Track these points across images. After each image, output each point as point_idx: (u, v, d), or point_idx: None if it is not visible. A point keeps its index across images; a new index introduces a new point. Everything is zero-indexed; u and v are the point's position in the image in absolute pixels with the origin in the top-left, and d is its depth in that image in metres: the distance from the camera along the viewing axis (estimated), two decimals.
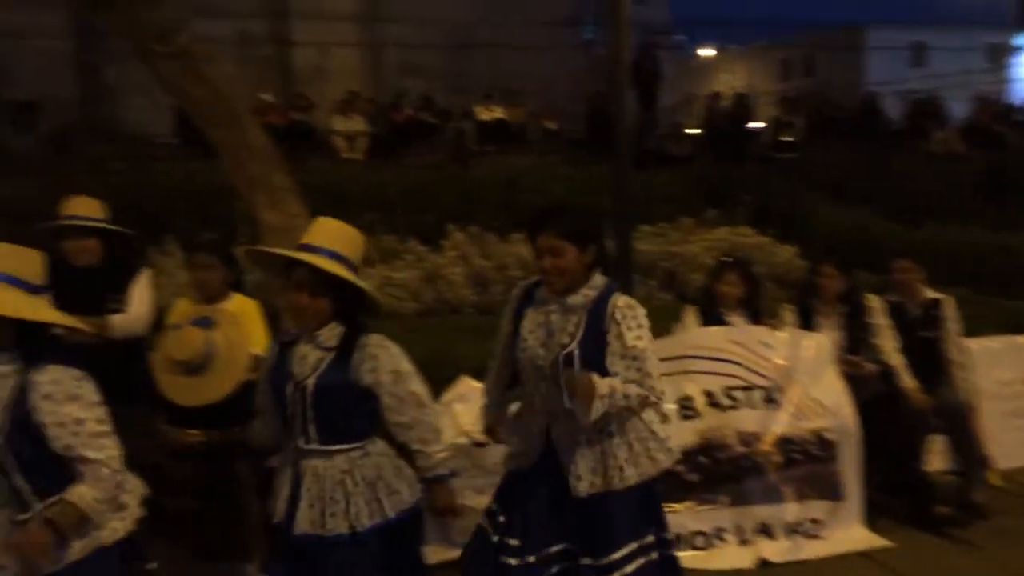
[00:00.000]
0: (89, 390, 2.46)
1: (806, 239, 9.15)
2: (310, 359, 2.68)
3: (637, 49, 15.95)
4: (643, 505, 2.89)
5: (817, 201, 10.32)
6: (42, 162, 11.58)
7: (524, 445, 2.97)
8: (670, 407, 4.21)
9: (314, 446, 2.69)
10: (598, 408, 2.70)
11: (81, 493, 2.42)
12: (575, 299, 2.83)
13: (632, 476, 2.85)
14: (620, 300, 2.84)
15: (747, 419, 4.24)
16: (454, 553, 3.88)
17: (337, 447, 2.70)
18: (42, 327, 2.49)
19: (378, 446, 2.81)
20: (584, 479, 2.84)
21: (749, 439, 4.21)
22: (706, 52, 40.62)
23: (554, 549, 2.84)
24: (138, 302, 3.63)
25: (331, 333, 2.68)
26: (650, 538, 2.89)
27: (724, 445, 4.19)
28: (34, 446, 2.39)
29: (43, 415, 2.38)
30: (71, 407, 2.40)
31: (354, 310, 2.72)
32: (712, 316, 4.53)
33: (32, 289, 2.49)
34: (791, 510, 4.19)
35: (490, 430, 3.26)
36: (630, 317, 2.80)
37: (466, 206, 10.05)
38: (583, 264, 2.82)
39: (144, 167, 11.63)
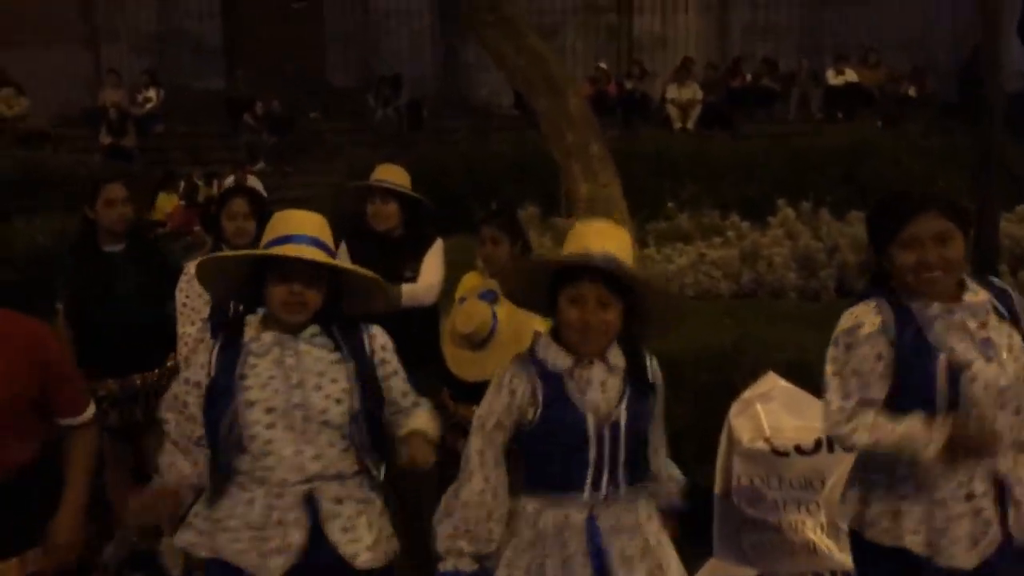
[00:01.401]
0: None
1: None
2: (612, 386, 2.20)
3: None
4: None
5: None
6: (398, 132, 12.69)
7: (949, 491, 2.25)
8: None
9: (623, 491, 2.23)
10: None
11: (426, 420, 2.42)
12: (975, 296, 2.23)
13: None
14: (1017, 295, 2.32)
15: None
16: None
17: (641, 485, 2.29)
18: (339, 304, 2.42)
19: None
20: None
21: None
22: None
23: None
24: (428, 272, 3.65)
25: (616, 351, 2.23)
26: None
27: None
28: (377, 402, 2.36)
29: (388, 366, 2.40)
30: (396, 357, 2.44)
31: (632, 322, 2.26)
32: None
33: (332, 253, 2.44)
34: None
35: None
36: None
37: (801, 179, 9.27)
38: (965, 259, 2.25)
39: (485, 137, 12.27)
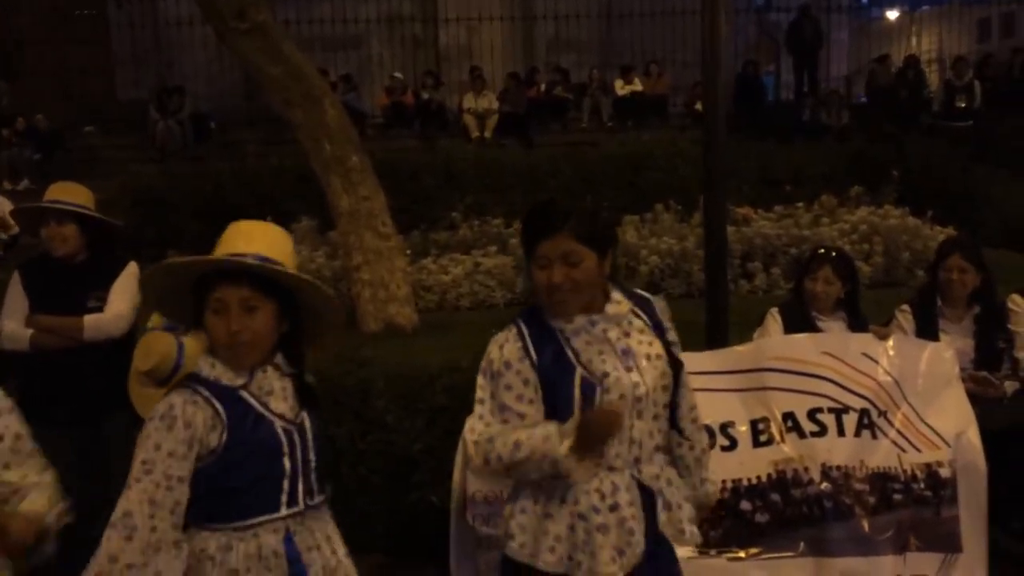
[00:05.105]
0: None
1: (974, 222, 7.92)
2: (289, 391, 2.11)
3: (797, 11, 14.66)
4: None
5: (993, 178, 8.93)
6: (183, 145, 12.02)
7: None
8: (742, 429, 3.54)
9: (316, 499, 2.13)
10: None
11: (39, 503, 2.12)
12: (617, 308, 2.22)
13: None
14: (660, 302, 2.33)
15: (835, 449, 3.45)
16: None
17: (322, 497, 2.17)
18: None
19: None
20: (690, 522, 2.28)
21: (836, 474, 3.43)
22: (893, 14, 37.30)
23: None
24: (117, 300, 3.32)
25: (281, 358, 2.12)
26: None
27: (804, 480, 3.44)
28: None
29: None
30: None
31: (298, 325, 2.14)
32: (801, 320, 3.76)
33: None
34: (888, 564, 3.38)
35: None
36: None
37: (588, 186, 9.46)
38: (602, 277, 2.20)
39: (276, 151, 11.80)
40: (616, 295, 2.25)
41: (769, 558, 3.39)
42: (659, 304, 2.33)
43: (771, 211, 7.99)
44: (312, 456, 2.10)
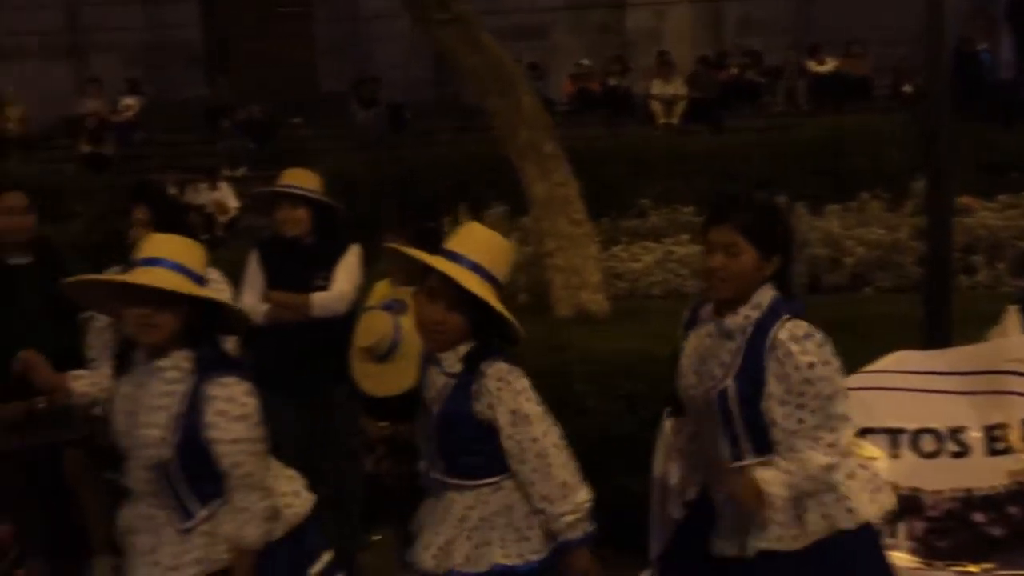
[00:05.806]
0: (254, 407, 2.39)
1: None
2: (437, 384, 2.38)
3: None
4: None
5: None
6: (380, 135, 12.55)
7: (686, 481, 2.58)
8: (975, 435, 3.27)
9: (441, 477, 2.41)
10: (772, 517, 2.24)
11: (241, 537, 2.35)
12: (733, 320, 2.34)
13: (800, 537, 2.30)
14: (785, 328, 2.26)
15: None
16: None
17: (464, 482, 2.37)
18: (212, 330, 2.42)
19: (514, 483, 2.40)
20: (728, 538, 2.36)
21: None
22: None
23: None
24: (341, 279, 3.51)
25: (455, 357, 2.34)
26: None
27: None
28: (203, 458, 2.34)
29: (217, 431, 2.32)
30: (241, 426, 2.34)
31: (490, 333, 2.34)
32: None
33: (198, 279, 2.40)
34: None
35: None
36: (799, 352, 2.23)
37: (782, 172, 9.06)
38: (761, 274, 2.31)
39: (467, 139, 12.10)
40: (747, 309, 2.30)
41: (1006, 575, 3.14)
42: (779, 334, 2.25)
43: (994, 200, 7.33)
44: (435, 442, 2.37)
